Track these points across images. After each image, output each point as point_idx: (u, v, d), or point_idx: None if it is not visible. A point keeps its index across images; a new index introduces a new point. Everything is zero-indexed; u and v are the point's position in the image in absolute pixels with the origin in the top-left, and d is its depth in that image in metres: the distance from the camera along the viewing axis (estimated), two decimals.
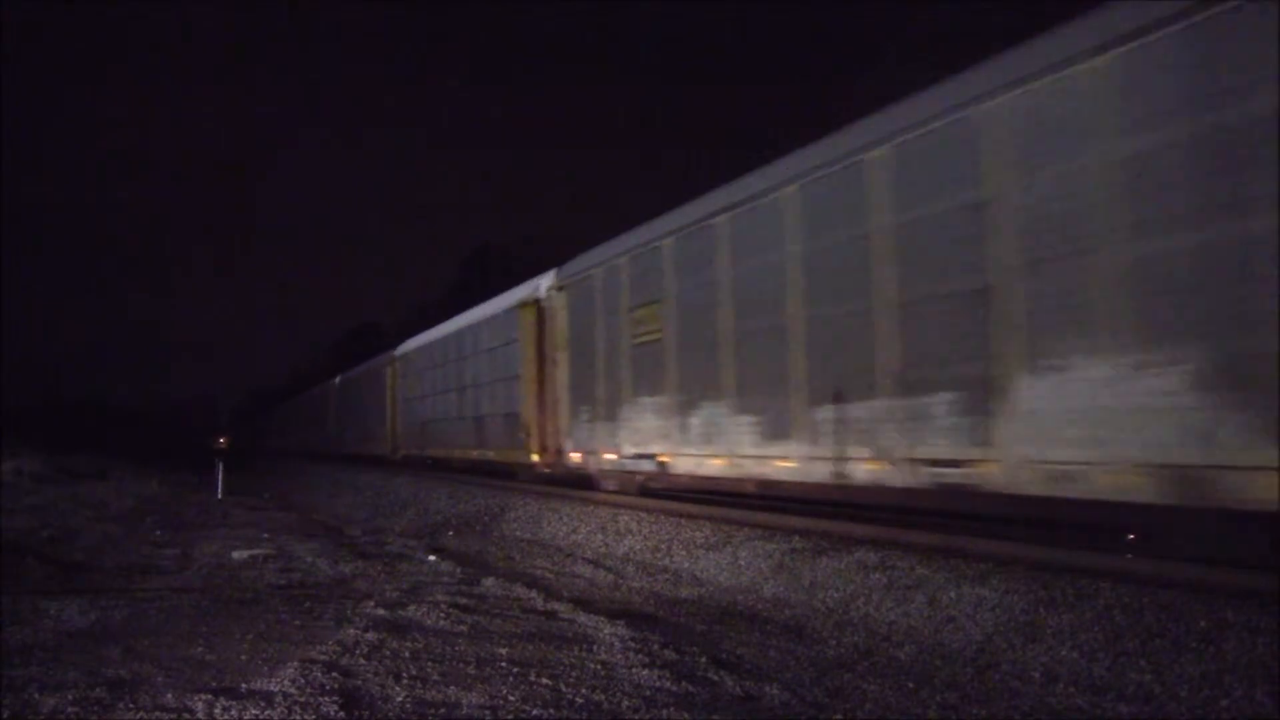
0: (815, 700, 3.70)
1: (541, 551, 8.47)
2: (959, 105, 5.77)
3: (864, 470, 6.51)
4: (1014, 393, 5.37)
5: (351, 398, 27.80)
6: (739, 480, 8.09)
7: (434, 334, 18.31)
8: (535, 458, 12.33)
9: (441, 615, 5.06)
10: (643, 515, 8.93)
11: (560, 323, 11.65)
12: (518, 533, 9.92)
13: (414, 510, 13.20)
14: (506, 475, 14.19)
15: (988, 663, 4.28)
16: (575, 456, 11.26)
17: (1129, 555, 5.23)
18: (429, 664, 4.01)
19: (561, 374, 11.62)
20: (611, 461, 10.32)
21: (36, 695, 3.64)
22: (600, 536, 8.62)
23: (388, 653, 4.21)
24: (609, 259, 10.44)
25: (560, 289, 11.75)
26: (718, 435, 8.25)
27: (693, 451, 8.67)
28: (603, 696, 3.53)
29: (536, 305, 12.36)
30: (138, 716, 3.38)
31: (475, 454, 15.14)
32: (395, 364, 21.61)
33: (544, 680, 3.76)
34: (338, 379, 30.69)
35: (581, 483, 11.50)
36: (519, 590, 5.98)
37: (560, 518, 9.78)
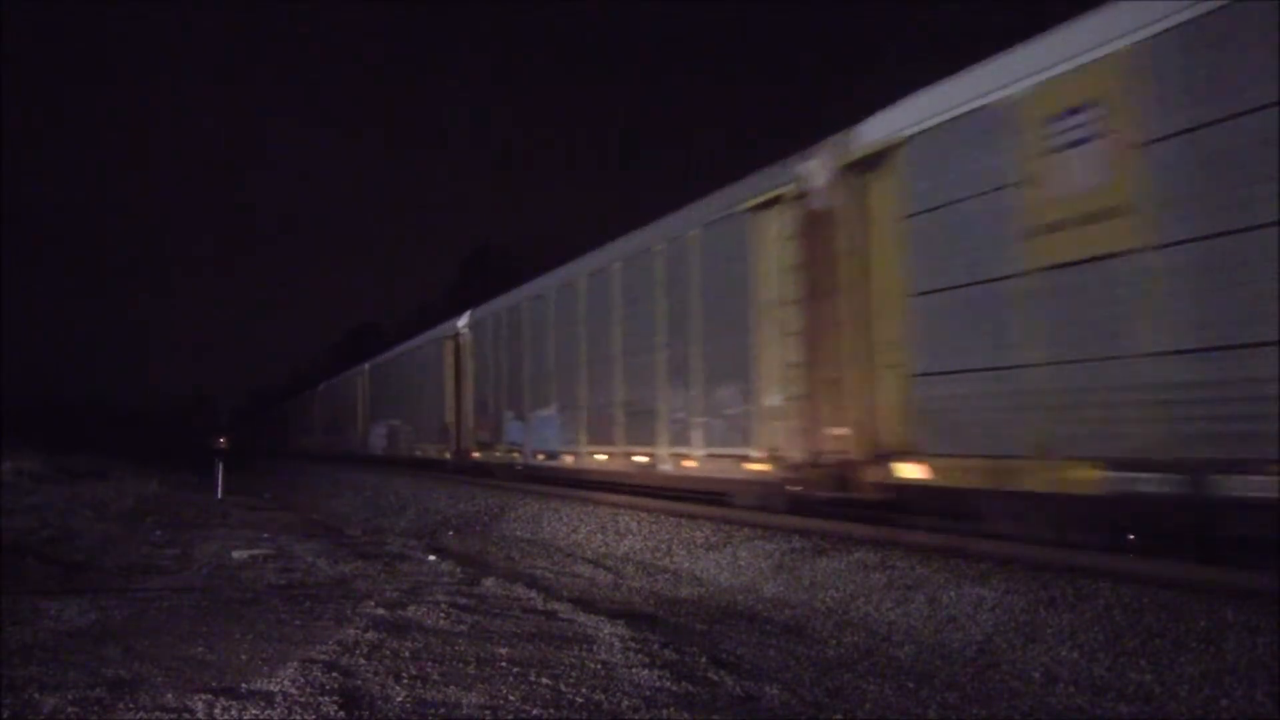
0: (815, 700, 3.70)
1: (541, 551, 8.47)
2: None
3: None
4: None
5: (539, 339, 12.65)
6: None
7: None
8: None
9: (441, 615, 5.05)
10: (643, 515, 8.94)
11: None
12: (518, 533, 9.92)
13: (414, 510, 13.21)
14: None
15: (988, 663, 4.29)
16: None
17: (1129, 555, 5.23)
18: (429, 664, 4.00)
19: None
20: None
21: (36, 695, 3.63)
22: (600, 536, 8.62)
23: (388, 652, 4.20)
24: None
25: None
26: None
27: None
28: (603, 696, 3.53)
29: None
30: (138, 716, 3.38)
31: None
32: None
33: (544, 680, 3.75)
34: (464, 321, 16.25)
35: None
36: (519, 590, 5.98)
37: (560, 518, 9.79)
